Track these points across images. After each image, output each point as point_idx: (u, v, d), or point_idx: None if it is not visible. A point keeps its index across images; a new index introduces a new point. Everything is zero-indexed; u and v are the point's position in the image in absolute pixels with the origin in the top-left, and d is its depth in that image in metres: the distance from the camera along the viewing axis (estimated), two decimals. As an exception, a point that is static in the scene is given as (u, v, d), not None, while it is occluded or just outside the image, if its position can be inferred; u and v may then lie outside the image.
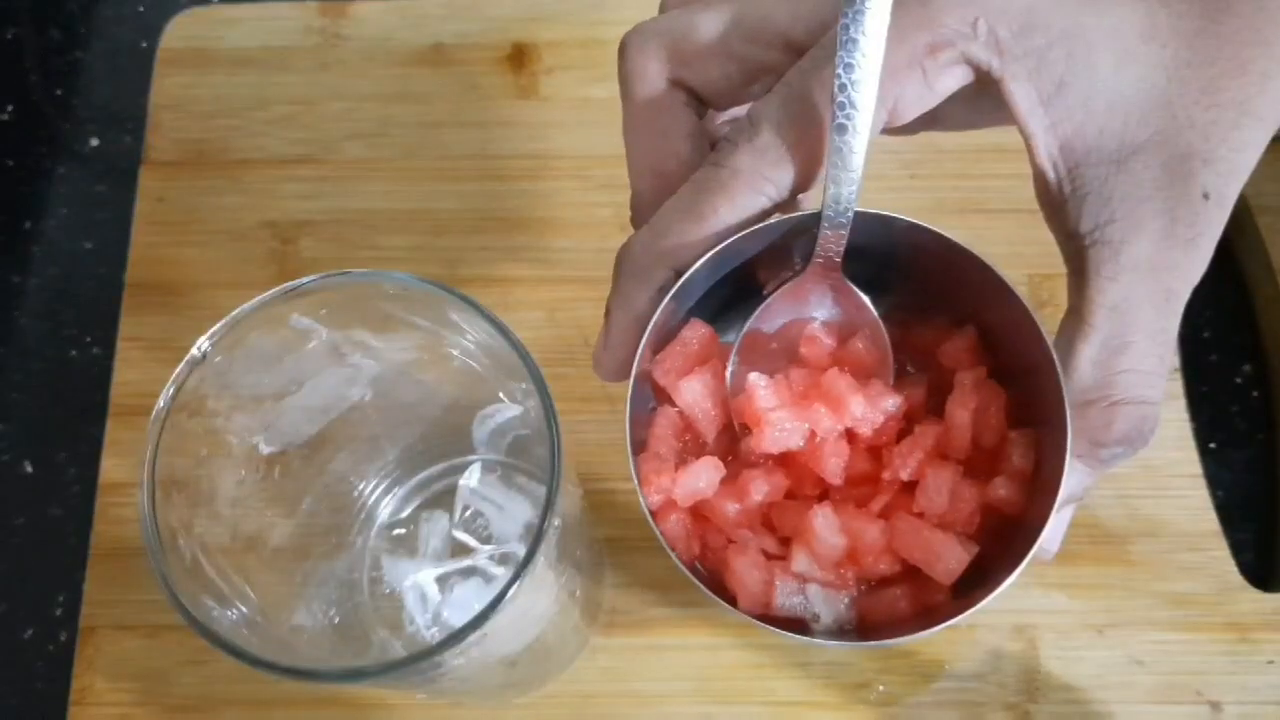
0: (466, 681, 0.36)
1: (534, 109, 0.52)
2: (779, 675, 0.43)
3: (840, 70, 0.27)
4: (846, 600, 0.31)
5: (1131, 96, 0.28)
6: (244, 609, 0.32)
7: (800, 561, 0.31)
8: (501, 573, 0.41)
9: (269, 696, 0.43)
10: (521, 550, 0.29)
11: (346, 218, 0.50)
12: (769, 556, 0.32)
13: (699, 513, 0.32)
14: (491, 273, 0.49)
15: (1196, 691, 0.42)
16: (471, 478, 0.41)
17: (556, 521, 0.30)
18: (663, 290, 0.31)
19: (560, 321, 0.48)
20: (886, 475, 0.32)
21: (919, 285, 0.32)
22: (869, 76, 0.27)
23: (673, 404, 0.32)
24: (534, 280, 0.48)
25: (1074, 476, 0.29)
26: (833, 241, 0.30)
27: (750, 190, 0.29)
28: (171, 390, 0.31)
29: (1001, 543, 0.30)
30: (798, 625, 0.31)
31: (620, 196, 0.49)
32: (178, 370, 0.31)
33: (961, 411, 0.31)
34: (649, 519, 0.31)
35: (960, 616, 0.29)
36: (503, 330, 0.31)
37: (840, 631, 0.31)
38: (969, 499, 0.31)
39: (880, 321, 0.33)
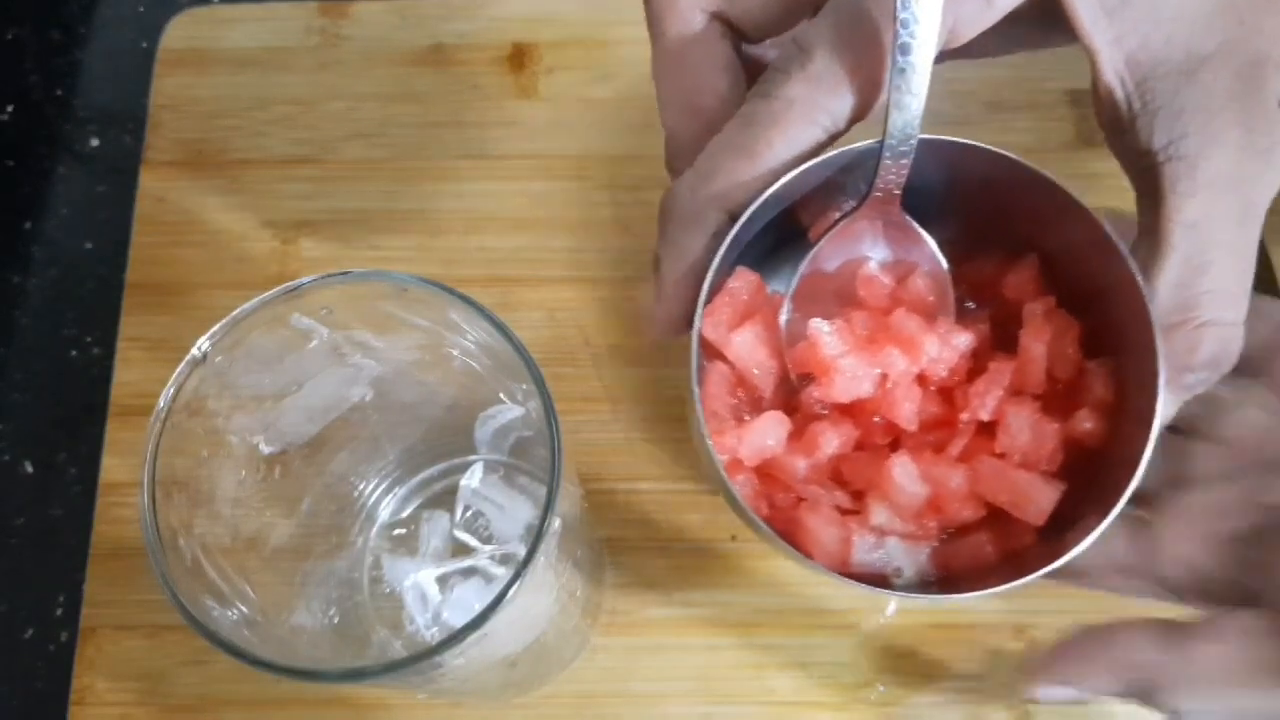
0: (467, 681, 0.36)
1: (534, 109, 0.52)
2: (779, 675, 0.43)
3: None
4: (928, 551, 0.30)
5: (1197, 4, 0.26)
6: (244, 609, 0.32)
7: (879, 514, 0.30)
8: (502, 573, 0.41)
9: (269, 696, 0.43)
10: (522, 550, 0.29)
11: (346, 218, 0.50)
12: (842, 512, 0.30)
13: (765, 471, 0.31)
14: (491, 273, 0.49)
15: (1196, 691, 0.42)
16: (473, 478, 0.41)
17: (556, 521, 0.29)
18: (717, 236, 0.29)
19: (560, 321, 0.48)
20: (964, 416, 0.30)
21: (976, 215, 0.31)
22: None
23: (724, 360, 0.31)
24: (534, 280, 0.48)
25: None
26: (894, 173, 0.29)
27: (805, 122, 0.27)
28: (172, 390, 0.31)
29: (1084, 479, 0.29)
30: (878, 580, 0.30)
31: (621, 196, 0.49)
32: (178, 370, 0.31)
33: (1036, 344, 0.30)
34: (723, 477, 0.29)
35: (1057, 563, 0.27)
36: (503, 330, 0.31)
37: (923, 584, 0.30)
38: (1051, 435, 0.29)
39: (940, 256, 0.31)
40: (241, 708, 0.43)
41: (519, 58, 0.53)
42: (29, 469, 0.49)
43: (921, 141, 0.29)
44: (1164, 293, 0.28)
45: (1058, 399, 0.30)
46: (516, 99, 0.52)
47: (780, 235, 0.32)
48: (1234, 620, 0.28)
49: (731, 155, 0.28)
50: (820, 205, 0.31)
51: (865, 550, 0.30)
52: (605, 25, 0.52)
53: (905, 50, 0.26)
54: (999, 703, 0.42)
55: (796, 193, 0.30)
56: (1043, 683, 0.30)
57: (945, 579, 0.30)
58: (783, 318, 0.32)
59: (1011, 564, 0.29)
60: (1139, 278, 0.28)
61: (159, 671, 0.44)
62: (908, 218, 0.31)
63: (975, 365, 0.31)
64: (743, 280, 0.31)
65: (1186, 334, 0.27)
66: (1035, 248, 0.31)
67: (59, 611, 0.46)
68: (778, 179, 0.28)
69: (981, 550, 0.30)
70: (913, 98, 0.27)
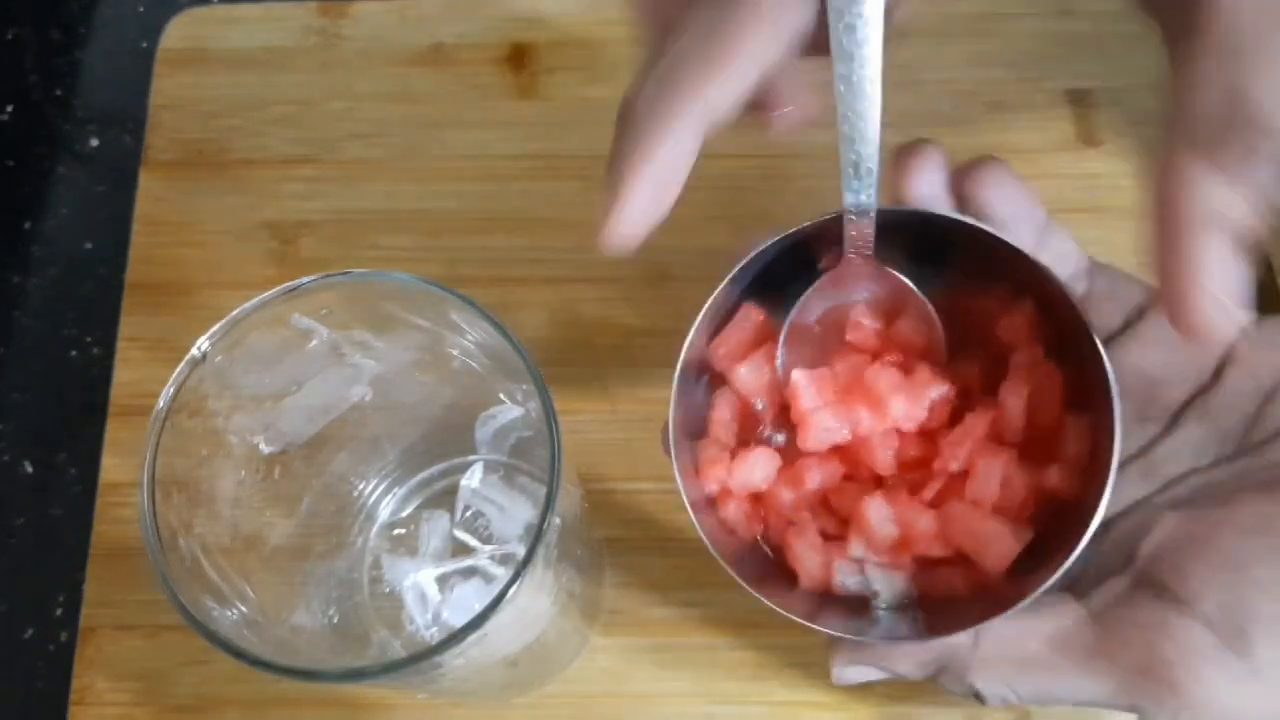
0: (467, 681, 0.36)
1: (534, 109, 0.52)
2: (779, 675, 0.43)
3: None
4: (904, 578, 0.32)
5: None
6: (244, 609, 0.32)
7: (856, 548, 0.32)
8: (502, 573, 0.41)
9: (269, 696, 0.43)
10: (522, 550, 0.29)
11: (346, 218, 0.50)
12: (829, 537, 0.32)
13: (759, 496, 0.33)
14: (491, 273, 0.49)
15: (1196, 691, 0.42)
16: (473, 478, 0.41)
17: (556, 521, 0.30)
18: (679, 147, 0.27)
19: (560, 321, 0.48)
20: (937, 465, 0.31)
21: (964, 265, 0.32)
22: None
23: (729, 386, 0.33)
24: (534, 280, 0.48)
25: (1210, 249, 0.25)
26: (860, 232, 0.30)
27: (772, 27, 0.27)
28: (171, 390, 0.31)
29: (1057, 523, 0.30)
30: (859, 604, 0.32)
31: (620, 196, 0.49)
32: (178, 370, 0.31)
33: (1014, 399, 0.31)
34: (689, 509, 0.31)
35: (1016, 607, 0.28)
36: (503, 330, 0.31)
37: (900, 606, 0.32)
38: (1021, 486, 0.30)
39: (926, 301, 0.32)
40: (241, 708, 0.43)
41: (519, 58, 0.53)
42: (29, 469, 0.49)
43: (882, 210, 0.30)
44: (1211, 98, 0.24)
45: (1039, 444, 0.31)
46: (516, 99, 0.52)
47: (789, 273, 0.33)
48: (1043, 605, 0.29)
49: (697, 61, 0.27)
50: (817, 255, 0.33)
51: (845, 574, 0.32)
52: (605, 25, 0.52)
53: (850, 142, 0.28)
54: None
55: (785, 253, 0.32)
56: (846, 662, 0.31)
57: (922, 601, 0.32)
58: (777, 360, 0.33)
59: (981, 600, 0.30)
60: (1094, 335, 0.29)
61: (159, 671, 0.44)
62: (886, 269, 0.32)
63: (963, 405, 0.32)
64: (749, 314, 0.33)
65: (1241, 135, 0.24)
66: (1026, 293, 0.32)
67: (59, 611, 0.46)
68: (743, 85, 0.28)
69: (952, 581, 0.31)
70: (863, 125, 0.28)
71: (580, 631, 0.42)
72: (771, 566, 0.33)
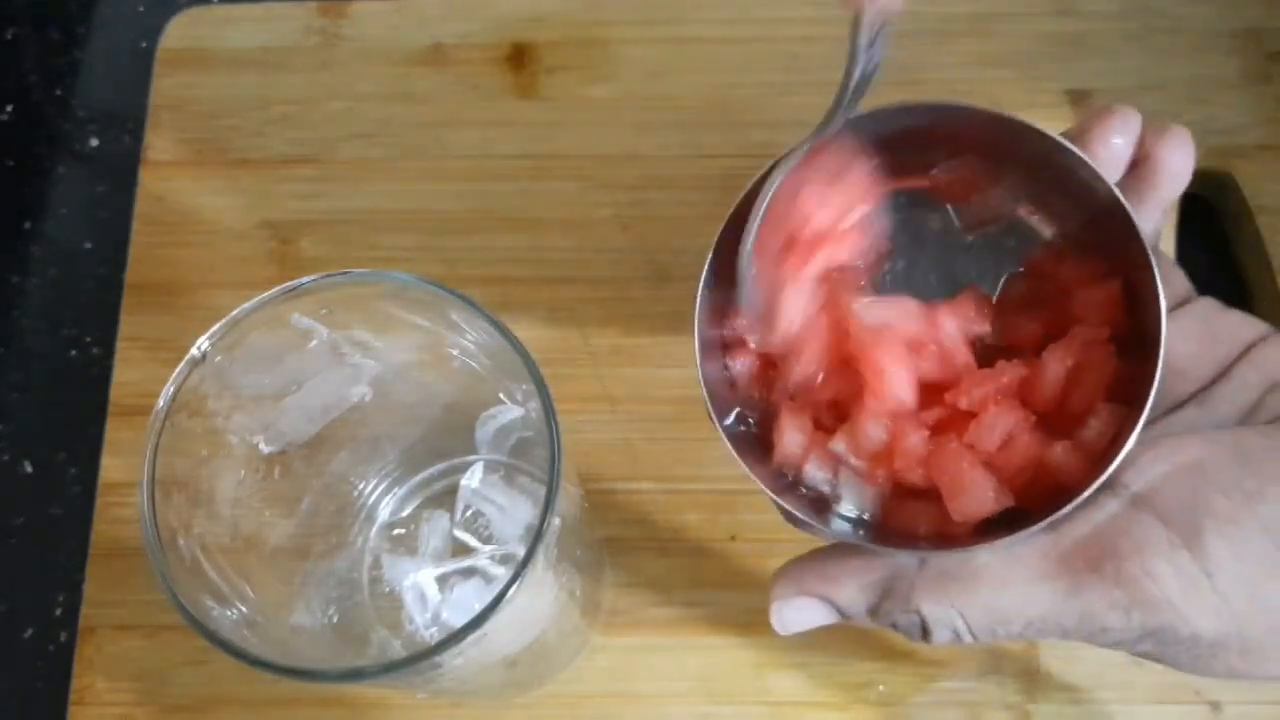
0: (466, 681, 0.36)
1: (534, 109, 0.52)
2: (779, 675, 0.43)
3: None
4: (873, 494, 0.30)
5: None
6: (244, 609, 0.32)
7: (839, 443, 0.30)
8: (502, 573, 0.41)
9: (269, 696, 0.43)
10: (522, 551, 0.29)
11: (346, 218, 0.50)
12: (820, 427, 0.31)
13: (769, 361, 0.32)
14: (491, 273, 0.49)
15: (1196, 691, 0.42)
16: (474, 478, 0.41)
17: (556, 521, 0.30)
18: None
19: (560, 321, 0.48)
20: (949, 396, 0.30)
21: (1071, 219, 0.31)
22: None
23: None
24: (534, 280, 0.48)
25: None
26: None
27: None
28: (171, 390, 0.31)
29: (1047, 503, 0.29)
30: (819, 503, 0.30)
31: (621, 196, 0.49)
32: (178, 370, 0.31)
33: (1055, 365, 0.30)
34: (695, 349, 0.30)
35: (967, 548, 0.27)
36: (503, 330, 0.31)
37: (857, 520, 0.30)
38: (1024, 452, 0.29)
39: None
40: (241, 708, 0.43)
41: (519, 58, 0.53)
42: (29, 469, 0.49)
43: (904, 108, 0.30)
44: None
45: (1063, 421, 0.30)
46: (516, 99, 0.52)
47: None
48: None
49: None
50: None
51: (817, 467, 0.31)
52: (605, 25, 0.52)
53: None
54: (999, 702, 0.42)
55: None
56: (789, 596, 0.29)
57: (878, 527, 0.30)
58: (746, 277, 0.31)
59: (936, 544, 0.29)
60: (1163, 339, 0.28)
61: (158, 671, 0.44)
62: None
63: (1007, 356, 0.31)
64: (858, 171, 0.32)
65: None
66: (1121, 275, 0.31)
67: (58, 611, 0.46)
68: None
69: (916, 521, 0.30)
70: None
71: (580, 631, 0.42)
72: (750, 438, 0.31)
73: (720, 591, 0.44)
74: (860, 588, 0.28)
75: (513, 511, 0.42)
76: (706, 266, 0.31)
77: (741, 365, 0.32)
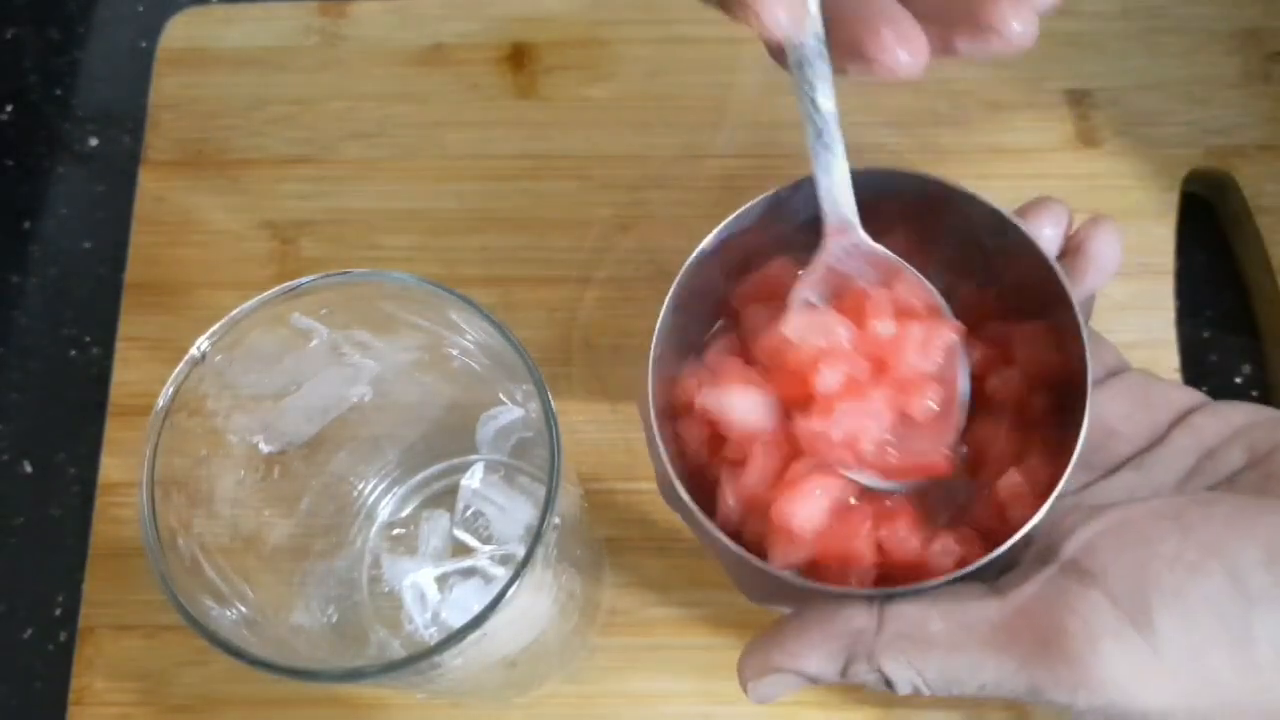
0: (466, 681, 0.36)
1: (534, 109, 0.52)
2: (779, 675, 0.43)
3: None
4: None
5: None
6: (243, 608, 0.32)
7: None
8: (502, 573, 0.41)
9: (269, 696, 0.43)
10: (522, 551, 0.29)
11: (346, 218, 0.50)
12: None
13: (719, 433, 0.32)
14: (491, 273, 0.49)
15: (1196, 691, 0.42)
16: (474, 478, 0.41)
17: (556, 521, 0.30)
18: None
19: (560, 321, 0.48)
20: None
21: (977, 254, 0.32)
22: None
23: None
24: (534, 280, 0.48)
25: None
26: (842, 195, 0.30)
27: None
28: (171, 390, 0.31)
29: (983, 539, 0.30)
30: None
31: (621, 196, 0.49)
32: (177, 370, 0.31)
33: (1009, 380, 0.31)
34: (649, 402, 0.31)
35: (923, 584, 0.28)
36: (502, 330, 0.31)
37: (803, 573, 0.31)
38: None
39: (925, 281, 0.31)
40: (241, 708, 0.43)
41: (519, 58, 0.53)
42: (28, 469, 0.49)
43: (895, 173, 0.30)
44: None
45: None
46: (516, 99, 0.52)
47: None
48: (956, 586, 0.28)
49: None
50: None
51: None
52: (605, 25, 0.52)
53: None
54: (999, 702, 0.42)
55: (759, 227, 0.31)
56: (759, 676, 0.30)
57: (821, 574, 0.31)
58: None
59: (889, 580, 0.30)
60: (1087, 355, 0.29)
61: (158, 671, 0.44)
62: (877, 246, 0.31)
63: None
64: (780, 268, 0.33)
65: None
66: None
67: (58, 611, 0.46)
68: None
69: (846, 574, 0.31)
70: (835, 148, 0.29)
71: (580, 631, 0.42)
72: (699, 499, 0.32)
73: (720, 591, 0.44)
74: (825, 656, 0.29)
75: (513, 512, 0.41)
76: (655, 338, 0.31)
77: (692, 428, 0.32)
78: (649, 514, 0.45)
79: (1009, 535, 0.28)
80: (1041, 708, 0.41)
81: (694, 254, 0.31)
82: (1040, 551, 0.29)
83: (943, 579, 0.28)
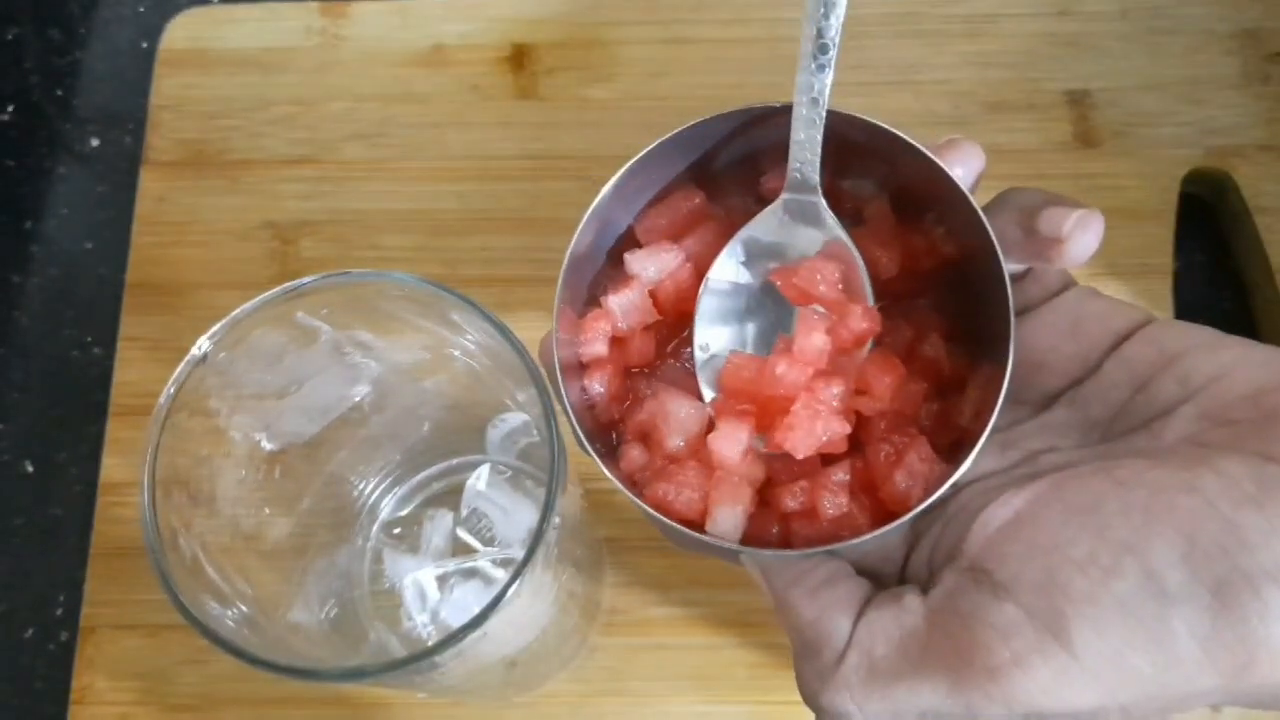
0: (466, 681, 0.36)
1: (534, 109, 0.52)
2: (778, 675, 0.43)
3: None
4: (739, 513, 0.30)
5: None
6: (244, 607, 0.32)
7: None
8: (502, 576, 0.41)
9: (269, 696, 0.43)
10: (523, 554, 0.29)
11: (346, 218, 0.50)
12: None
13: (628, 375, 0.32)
14: (491, 273, 0.49)
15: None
16: (480, 479, 0.42)
17: (556, 521, 0.30)
18: None
19: (560, 321, 0.48)
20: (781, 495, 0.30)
21: (903, 190, 0.32)
22: None
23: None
24: (534, 280, 0.48)
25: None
26: (808, 139, 0.30)
27: None
28: (172, 390, 0.31)
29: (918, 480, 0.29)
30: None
31: (620, 196, 0.49)
32: (178, 370, 0.31)
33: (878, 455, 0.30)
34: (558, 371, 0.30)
35: (857, 538, 0.28)
36: (503, 331, 0.31)
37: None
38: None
39: (859, 260, 0.31)
40: (241, 707, 0.43)
41: (519, 58, 0.53)
42: (29, 469, 0.49)
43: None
44: None
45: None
46: (516, 99, 0.52)
47: (732, 168, 0.33)
48: (889, 602, 0.28)
49: None
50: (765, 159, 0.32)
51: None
52: (605, 25, 0.52)
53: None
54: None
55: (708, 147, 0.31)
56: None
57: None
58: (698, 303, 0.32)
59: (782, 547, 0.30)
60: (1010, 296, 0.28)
61: (159, 670, 0.44)
62: (824, 210, 0.31)
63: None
64: (689, 198, 0.33)
65: None
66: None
67: (59, 611, 0.46)
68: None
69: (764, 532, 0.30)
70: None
71: (580, 631, 0.42)
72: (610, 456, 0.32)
73: (720, 591, 0.44)
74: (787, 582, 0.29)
75: (516, 515, 0.42)
76: (561, 278, 0.31)
77: (599, 386, 0.32)
78: (649, 514, 0.45)
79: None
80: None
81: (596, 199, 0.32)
82: (949, 545, 0.28)
83: (860, 539, 0.28)
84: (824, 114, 0.29)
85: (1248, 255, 0.49)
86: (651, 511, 0.30)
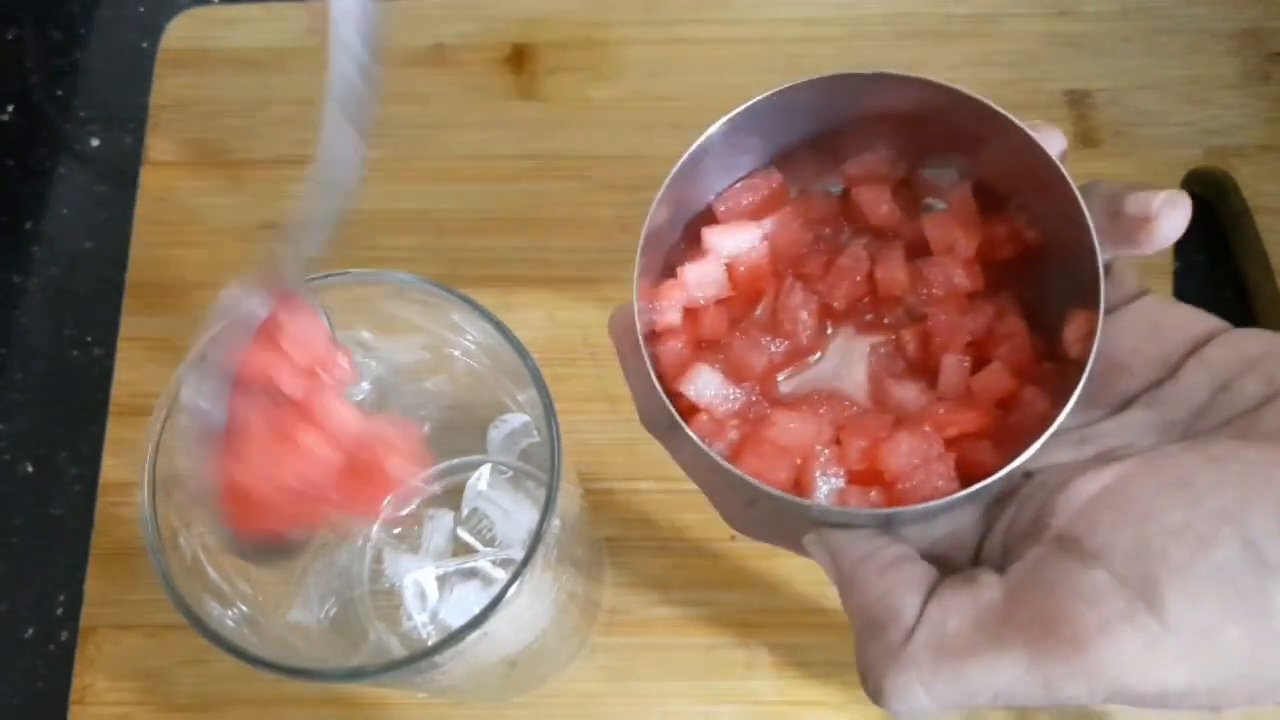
0: (466, 681, 0.36)
1: (534, 109, 0.52)
2: (778, 674, 0.43)
3: None
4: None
5: None
6: (244, 608, 0.32)
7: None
8: (502, 576, 0.41)
9: (269, 696, 0.43)
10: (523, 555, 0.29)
11: (348, 218, 0.50)
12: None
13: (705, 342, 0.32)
14: (491, 273, 0.49)
15: (1196, 691, 0.42)
16: (481, 480, 0.42)
17: (556, 521, 0.30)
18: None
19: (560, 321, 0.48)
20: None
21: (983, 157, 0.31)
22: None
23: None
24: (534, 280, 0.49)
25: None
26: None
27: None
28: (172, 389, 0.31)
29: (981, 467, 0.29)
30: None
31: (621, 196, 0.49)
32: (178, 370, 0.31)
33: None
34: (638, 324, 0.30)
35: (925, 504, 0.27)
36: (503, 330, 0.31)
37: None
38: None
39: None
40: (242, 707, 0.43)
41: (519, 58, 0.53)
42: (29, 469, 0.49)
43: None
44: None
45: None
46: (517, 99, 0.52)
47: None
48: (962, 581, 0.27)
49: None
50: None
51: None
52: (605, 25, 0.52)
53: None
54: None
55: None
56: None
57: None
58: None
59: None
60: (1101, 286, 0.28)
61: (159, 670, 0.44)
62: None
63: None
64: (768, 179, 0.32)
65: None
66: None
67: (59, 611, 0.46)
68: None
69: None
70: None
71: (580, 631, 0.42)
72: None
73: (720, 591, 0.44)
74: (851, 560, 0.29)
75: (517, 515, 0.42)
76: (639, 250, 0.31)
77: (673, 349, 0.31)
78: (649, 514, 0.45)
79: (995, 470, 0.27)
80: (1047, 710, 0.41)
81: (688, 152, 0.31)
82: (1035, 501, 0.28)
83: (935, 503, 0.27)
84: None
85: (1248, 255, 0.48)
86: (733, 469, 0.28)
